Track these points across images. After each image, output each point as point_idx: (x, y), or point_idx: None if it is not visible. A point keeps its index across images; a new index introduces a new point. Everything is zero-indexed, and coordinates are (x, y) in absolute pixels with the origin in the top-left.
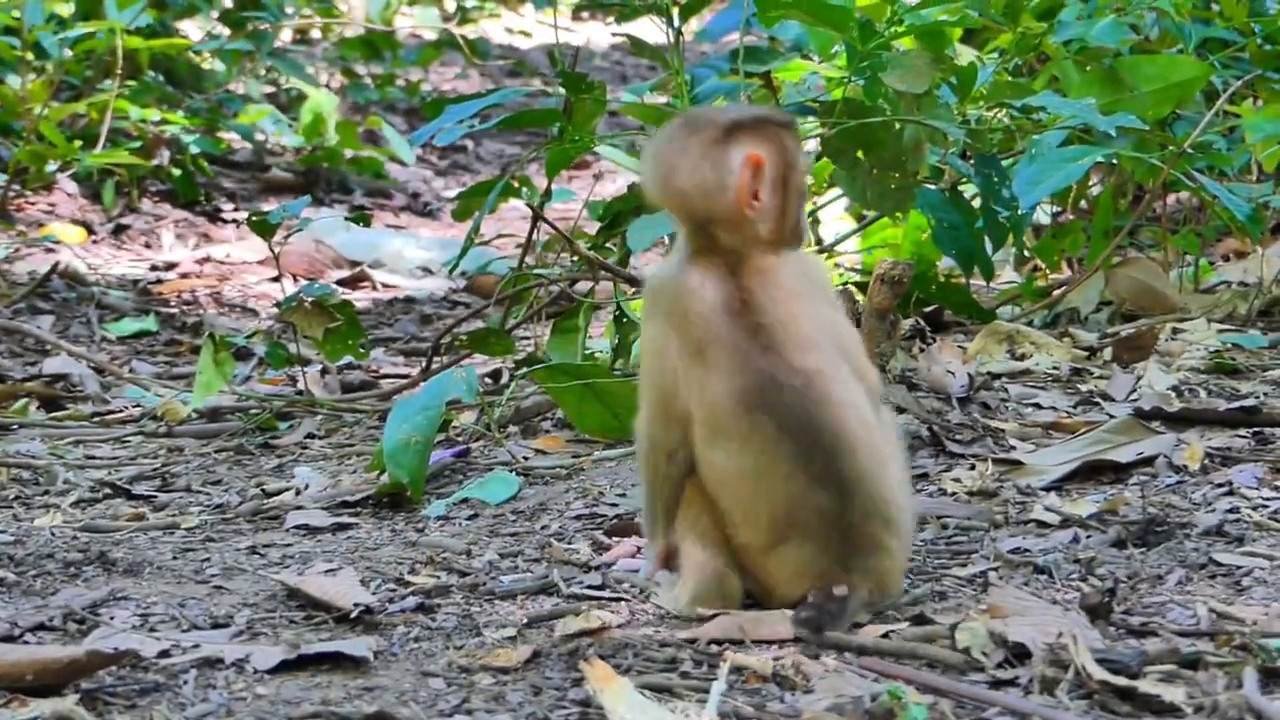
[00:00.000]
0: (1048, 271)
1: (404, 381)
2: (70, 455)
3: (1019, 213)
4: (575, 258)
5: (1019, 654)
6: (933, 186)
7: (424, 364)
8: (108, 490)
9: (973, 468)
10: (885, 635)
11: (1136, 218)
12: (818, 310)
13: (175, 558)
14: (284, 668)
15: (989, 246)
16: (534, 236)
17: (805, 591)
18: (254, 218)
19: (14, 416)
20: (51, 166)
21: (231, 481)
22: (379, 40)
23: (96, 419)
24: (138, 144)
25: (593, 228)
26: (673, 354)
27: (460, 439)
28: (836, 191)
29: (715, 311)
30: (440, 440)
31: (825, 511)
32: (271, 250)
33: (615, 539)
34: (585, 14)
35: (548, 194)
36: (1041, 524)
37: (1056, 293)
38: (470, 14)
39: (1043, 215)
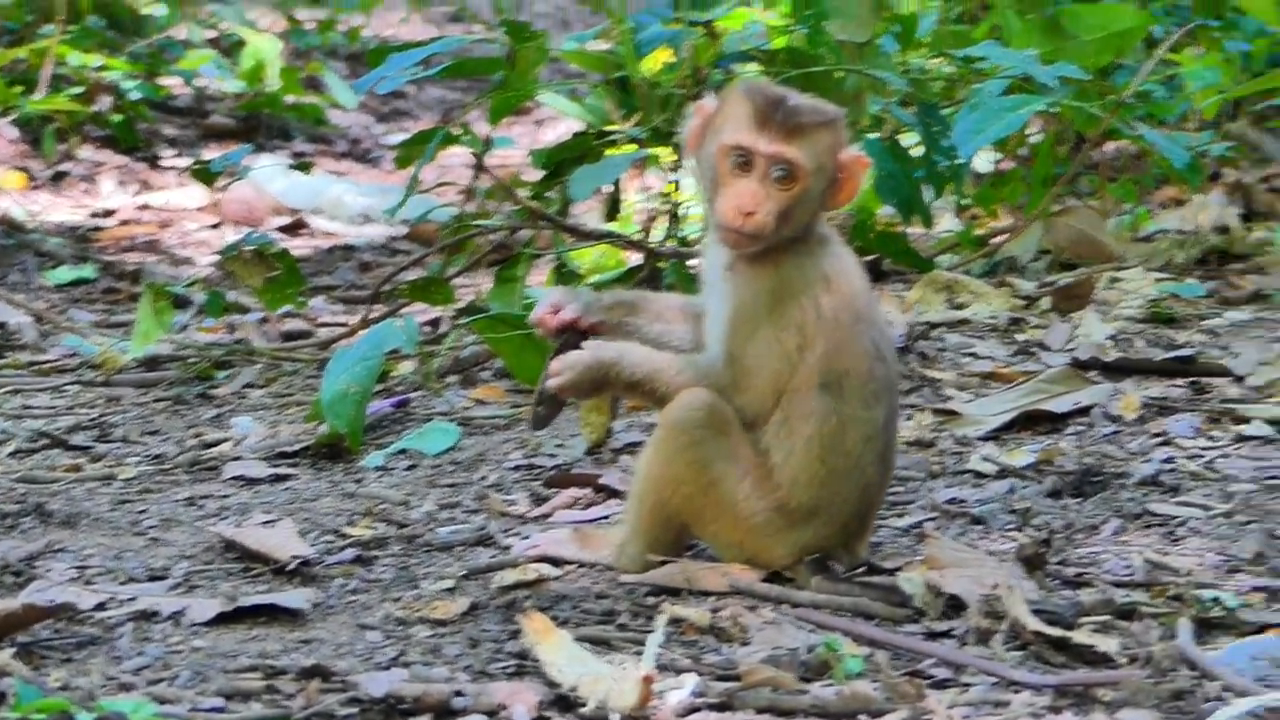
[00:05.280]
0: (987, 220)
1: (343, 330)
2: (7, 405)
3: (959, 162)
4: (516, 206)
5: (955, 605)
6: (873, 136)
7: (363, 313)
8: (45, 440)
9: (910, 418)
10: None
11: (1076, 166)
12: None
13: (112, 509)
14: (221, 620)
15: (928, 195)
16: (475, 184)
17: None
18: (196, 165)
19: None
20: None
21: (169, 431)
22: None
23: (34, 368)
24: (78, 90)
25: (534, 175)
26: (842, 323)
27: (399, 389)
28: None
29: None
30: (379, 390)
31: (870, 484)
32: (212, 198)
33: (554, 490)
34: None
35: (489, 142)
36: (978, 474)
37: (995, 241)
38: None
39: (983, 164)
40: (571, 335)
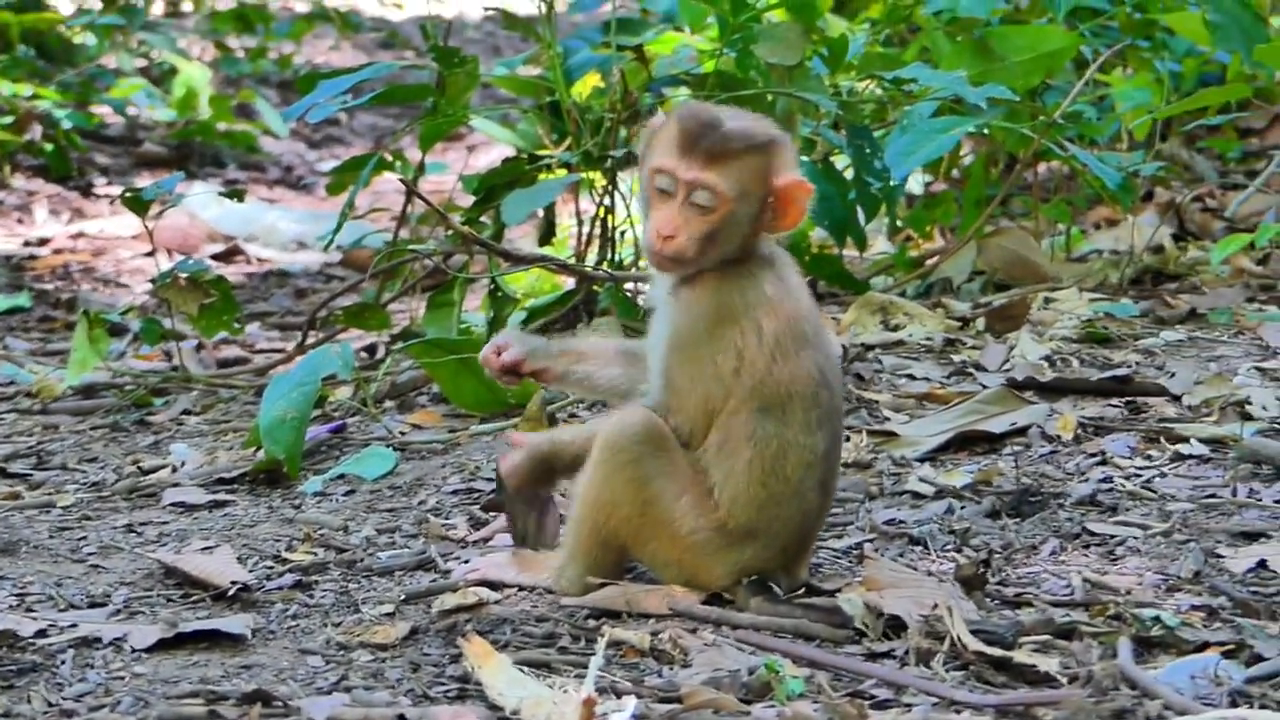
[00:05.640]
0: (920, 242)
1: (279, 357)
2: None
3: (891, 184)
4: (450, 231)
5: (895, 625)
6: (805, 158)
7: (299, 339)
8: None
9: (848, 439)
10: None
11: (1008, 187)
12: None
13: (52, 536)
14: (162, 646)
15: (862, 217)
16: (408, 210)
17: (734, 582)
18: (128, 194)
19: None
20: None
21: (107, 459)
22: (251, 13)
23: None
24: (9, 119)
25: (467, 201)
26: (784, 346)
27: (336, 414)
28: None
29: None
30: (316, 416)
31: (810, 509)
32: (145, 226)
33: (492, 514)
34: None
35: (422, 168)
36: (916, 495)
37: (929, 263)
38: None
39: (915, 186)
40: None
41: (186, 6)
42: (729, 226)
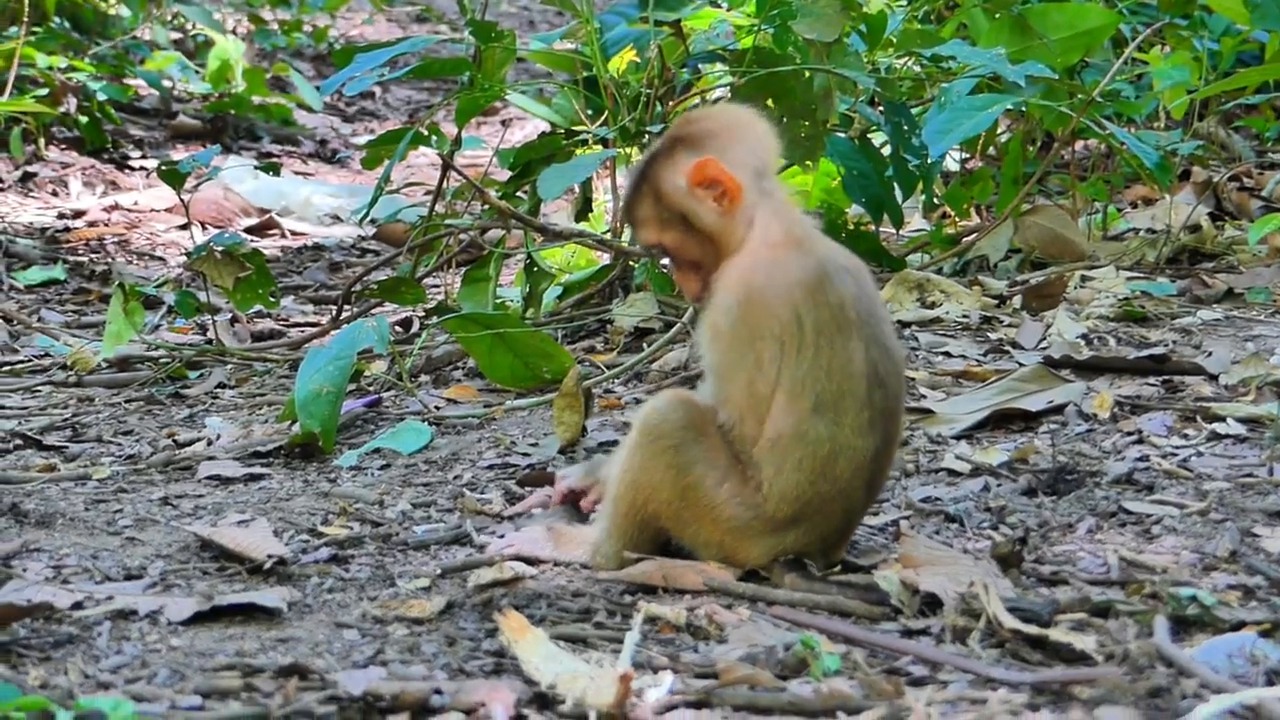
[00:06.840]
0: (957, 219)
1: (314, 330)
2: None
3: (928, 161)
4: (485, 206)
5: (931, 603)
6: (842, 134)
7: (334, 313)
8: (18, 441)
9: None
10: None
11: (1045, 165)
12: None
13: (87, 509)
14: (198, 619)
15: (898, 194)
16: (444, 184)
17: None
18: (164, 167)
19: None
20: None
21: (143, 432)
22: None
23: (5, 369)
24: (44, 91)
25: (503, 175)
26: (828, 337)
27: (371, 388)
28: None
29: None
30: (351, 390)
31: (854, 507)
32: (181, 199)
33: (528, 489)
34: None
35: (457, 142)
36: (952, 472)
37: (966, 240)
38: None
39: (952, 163)
40: None
41: None
42: (694, 246)
